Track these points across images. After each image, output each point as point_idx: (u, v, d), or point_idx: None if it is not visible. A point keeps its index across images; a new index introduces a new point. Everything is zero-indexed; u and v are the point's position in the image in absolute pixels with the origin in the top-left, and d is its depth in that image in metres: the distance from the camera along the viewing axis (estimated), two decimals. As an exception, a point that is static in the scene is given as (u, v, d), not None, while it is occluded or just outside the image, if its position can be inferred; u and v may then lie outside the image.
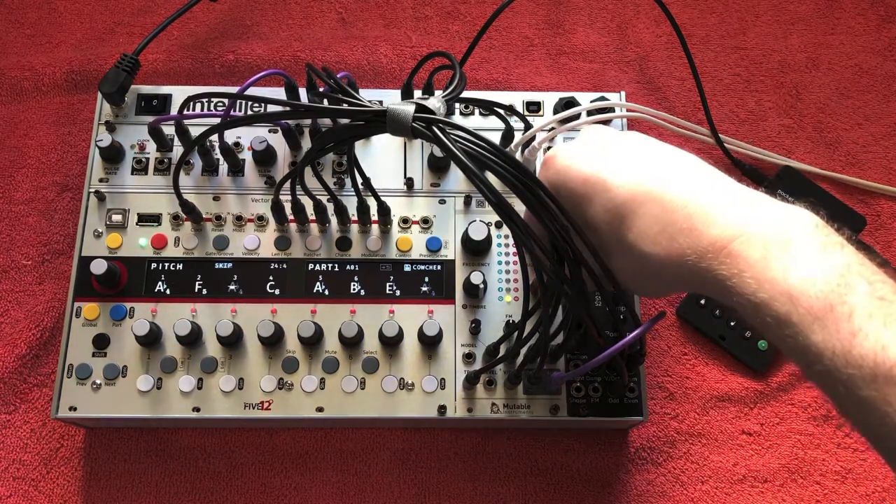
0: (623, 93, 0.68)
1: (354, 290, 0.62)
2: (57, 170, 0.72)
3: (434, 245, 0.63)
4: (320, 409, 0.59)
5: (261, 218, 0.63)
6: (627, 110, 0.64)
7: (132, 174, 0.64)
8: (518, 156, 0.64)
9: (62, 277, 0.68)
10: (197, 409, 0.58)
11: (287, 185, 0.57)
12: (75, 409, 0.58)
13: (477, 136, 0.45)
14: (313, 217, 0.63)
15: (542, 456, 0.64)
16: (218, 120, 0.56)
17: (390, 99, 0.65)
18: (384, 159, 0.66)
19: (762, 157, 0.74)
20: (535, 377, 0.57)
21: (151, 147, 0.65)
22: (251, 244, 0.62)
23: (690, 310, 0.69)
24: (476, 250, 0.63)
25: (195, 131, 0.65)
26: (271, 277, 0.62)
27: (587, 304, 0.49)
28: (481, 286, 0.60)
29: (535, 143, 0.62)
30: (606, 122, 0.62)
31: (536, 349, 0.53)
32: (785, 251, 0.38)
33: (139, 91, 0.67)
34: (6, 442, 0.64)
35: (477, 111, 0.67)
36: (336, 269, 0.62)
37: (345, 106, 0.49)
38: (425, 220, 0.64)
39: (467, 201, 0.64)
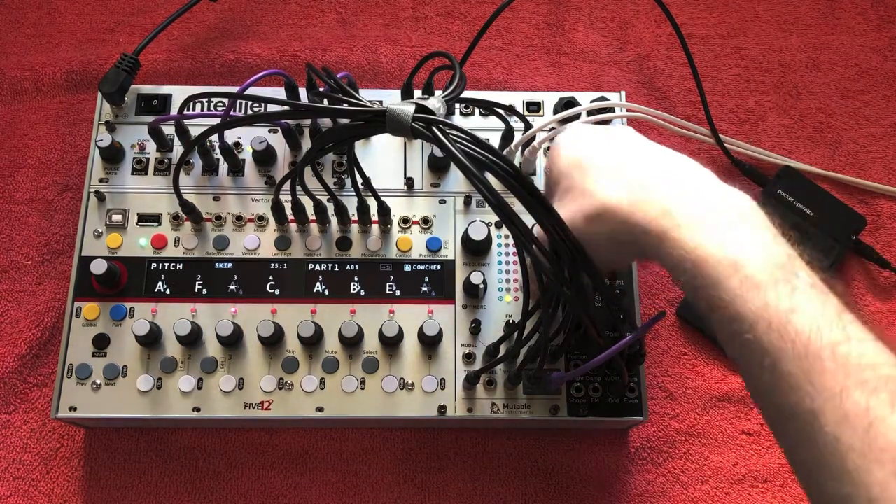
0: (623, 93, 0.68)
1: (354, 290, 0.62)
2: (57, 170, 0.72)
3: (434, 245, 0.63)
4: (320, 409, 0.58)
5: (261, 218, 0.63)
6: (627, 110, 0.64)
7: (132, 174, 0.64)
8: (518, 156, 0.64)
9: (62, 277, 0.68)
10: (197, 409, 0.58)
11: (287, 185, 0.57)
12: (75, 409, 0.58)
13: (476, 137, 0.45)
14: (313, 217, 0.63)
15: (542, 456, 0.64)
16: (218, 120, 0.56)
17: (390, 99, 0.65)
18: (384, 159, 0.66)
19: (762, 157, 0.74)
20: (535, 377, 0.56)
21: (151, 147, 0.65)
22: (251, 244, 0.62)
23: (690, 310, 0.69)
24: (476, 250, 0.62)
25: (195, 131, 0.65)
26: (271, 277, 0.62)
27: (587, 305, 0.49)
28: (481, 286, 0.60)
29: (535, 143, 0.62)
30: (606, 122, 0.62)
31: (536, 349, 0.53)
32: (741, 221, 0.41)
33: (139, 91, 0.67)
34: (6, 442, 0.64)
35: (477, 111, 0.67)
36: (336, 269, 0.62)
37: (345, 106, 0.49)
38: (425, 220, 0.64)
39: (467, 201, 0.64)
